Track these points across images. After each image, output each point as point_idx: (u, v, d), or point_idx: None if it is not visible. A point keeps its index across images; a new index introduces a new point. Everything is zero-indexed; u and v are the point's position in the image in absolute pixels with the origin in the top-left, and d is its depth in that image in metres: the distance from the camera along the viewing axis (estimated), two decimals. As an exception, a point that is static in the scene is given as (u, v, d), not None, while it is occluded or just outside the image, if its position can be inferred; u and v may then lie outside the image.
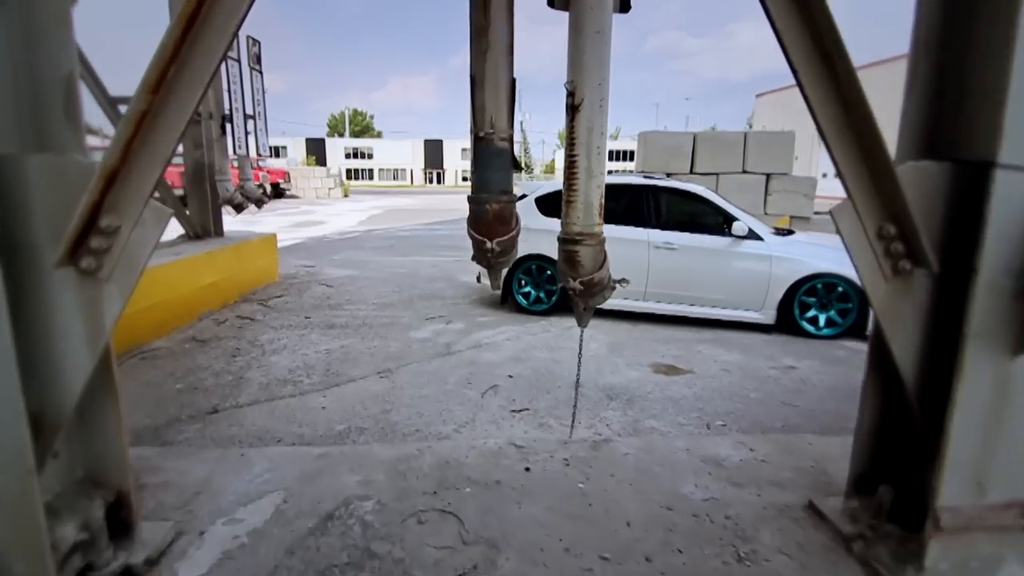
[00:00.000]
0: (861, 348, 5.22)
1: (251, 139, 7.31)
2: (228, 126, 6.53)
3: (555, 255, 5.83)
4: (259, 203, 7.27)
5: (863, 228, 1.55)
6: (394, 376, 4.25)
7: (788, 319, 5.53)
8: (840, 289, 5.38)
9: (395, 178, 75.46)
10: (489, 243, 2.06)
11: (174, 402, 3.74)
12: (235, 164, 7.32)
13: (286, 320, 5.79)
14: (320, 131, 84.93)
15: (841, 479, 2.21)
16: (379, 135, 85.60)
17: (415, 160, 75.64)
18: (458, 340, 5.23)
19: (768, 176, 11.17)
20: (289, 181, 31.55)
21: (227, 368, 4.38)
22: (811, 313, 5.51)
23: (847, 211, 1.55)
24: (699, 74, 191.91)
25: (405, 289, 7.49)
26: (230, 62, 6.33)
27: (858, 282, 5.32)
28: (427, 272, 8.88)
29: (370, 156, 74.86)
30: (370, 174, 74.87)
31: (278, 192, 30.08)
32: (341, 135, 79.69)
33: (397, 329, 5.55)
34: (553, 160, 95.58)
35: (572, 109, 1.99)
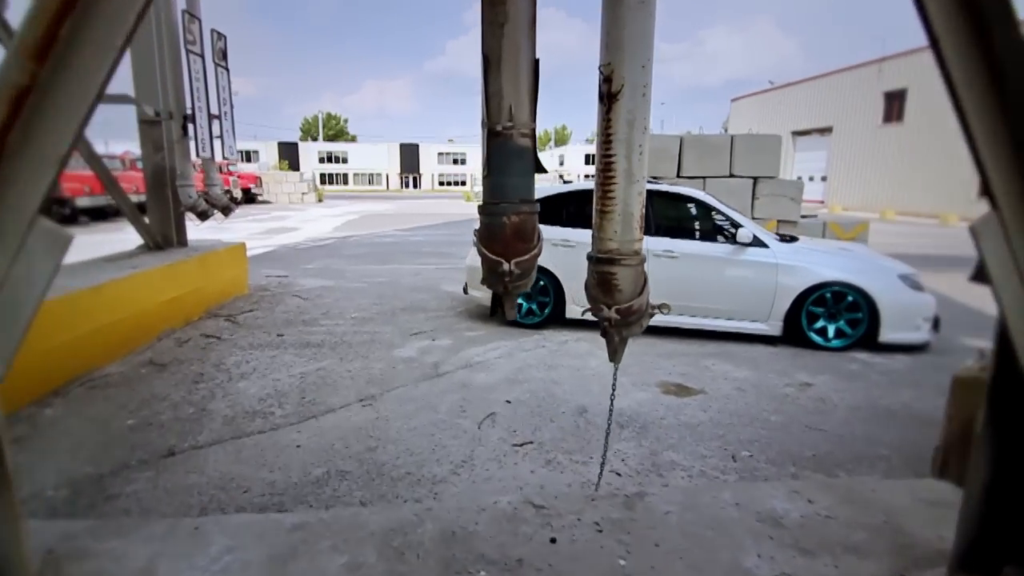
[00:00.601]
0: (874, 361, 4.95)
1: (217, 142, 6.78)
2: (191, 127, 6.00)
3: (548, 264, 5.39)
4: (226, 210, 6.74)
5: (1010, 250, 1.19)
6: (378, 404, 3.80)
7: (795, 330, 5.24)
8: (850, 299, 5.11)
9: (370, 182, 74.51)
10: (506, 264, 1.65)
11: (123, 442, 3.24)
12: (205, 169, 6.79)
13: (256, 338, 5.29)
14: (293, 135, 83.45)
15: (924, 540, 1.86)
16: (353, 139, 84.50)
17: (391, 164, 74.78)
18: (447, 359, 4.80)
19: (755, 180, 10.98)
20: (261, 186, 30.67)
21: (188, 398, 3.87)
22: (819, 324, 5.22)
23: (991, 227, 1.18)
24: (672, 79, 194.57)
25: (386, 301, 7.03)
26: (192, 57, 5.81)
27: (868, 291, 5.09)
28: (408, 281, 8.42)
29: (344, 160, 73.79)
30: (345, 178, 73.77)
31: (249, 197, 29.23)
32: (315, 139, 78.53)
33: (379, 347, 5.10)
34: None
35: (608, 98, 1.60)
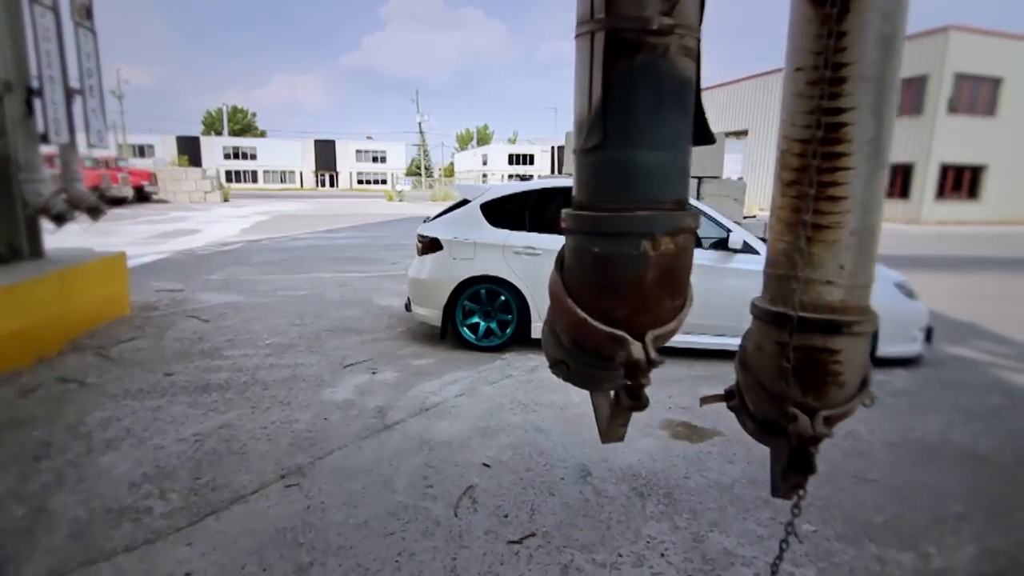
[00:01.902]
0: (875, 379, 4.45)
1: (97, 126, 5.31)
2: (38, 102, 4.56)
3: (511, 275, 4.46)
4: (94, 212, 5.31)
5: None
6: (308, 483, 2.75)
7: (789, 346, 4.67)
8: (848, 310, 4.60)
9: (282, 180, 70.58)
10: (635, 347, 0.75)
11: None
12: (64, 159, 5.30)
13: (135, 381, 4.01)
14: (195, 129, 77.51)
15: None
16: (263, 134, 79.61)
17: (305, 161, 71.12)
18: (394, 401, 3.79)
19: (700, 179, 10.65)
20: (156, 183, 27.61)
21: (18, 490, 2.64)
22: (815, 338, 4.68)
23: None
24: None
25: (308, 320, 5.85)
26: (38, 9, 4.38)
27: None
28: (333, 295, 7.23)
29: (253, 156, 69.34)
30: (253, 176, 69.41)
31: (143, 196, 26.24)
32: (219, 133, 73.21)
33: (304, 387, 3.99)
34: (452, 164, 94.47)
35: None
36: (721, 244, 4.70)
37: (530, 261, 4.72)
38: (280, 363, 4.48)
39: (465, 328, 4.89)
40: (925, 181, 21.32)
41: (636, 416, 3.33)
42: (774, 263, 0.91)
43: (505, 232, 4.80)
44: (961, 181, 22.03)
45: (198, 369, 4.29)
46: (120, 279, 5.96)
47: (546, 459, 3.03)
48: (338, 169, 72.26)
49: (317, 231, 15.83)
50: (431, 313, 4.97)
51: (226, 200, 30.05)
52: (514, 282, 4.73)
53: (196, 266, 9.28)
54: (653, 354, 0.77)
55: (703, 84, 0.77)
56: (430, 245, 4.95)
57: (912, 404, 3.98)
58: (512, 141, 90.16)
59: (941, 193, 21.79)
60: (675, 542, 2.36)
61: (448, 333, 4.99)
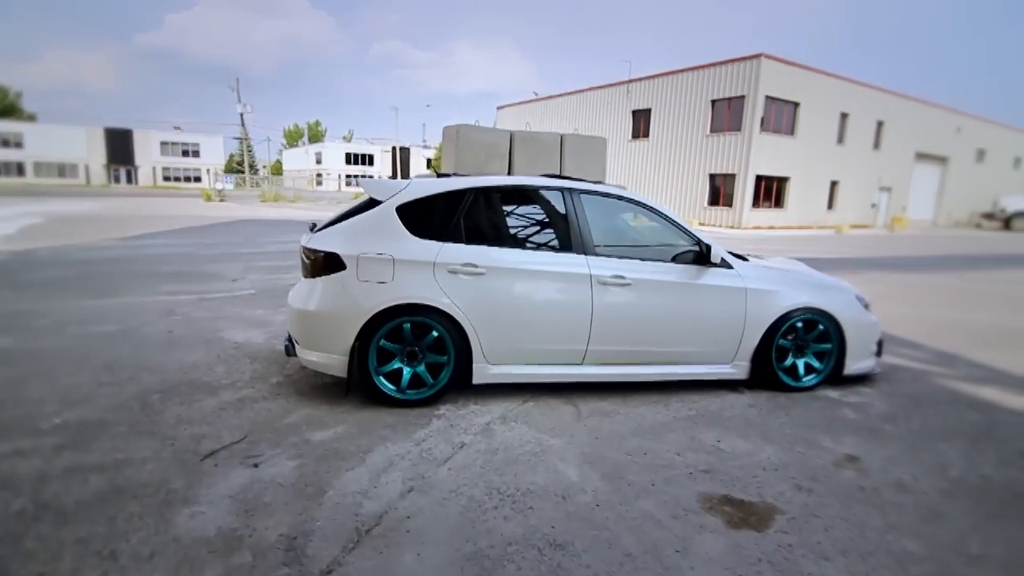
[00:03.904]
0: (853, 401, 4.06)
1: None
2: None
3: (443, 303, 3.17)
4: None
5: None
6: None
7: (763, 370, 4.12)
8: (820, 328, 4.16)
9: (61, 175, 58.81)
10: None
11: None
12: None
13: None
14: (-76, 106, 61.68)
15: None
16: (32, 118, 65.58)
17: (93, 154, 59.87)
18: (308, 521, 2.36)
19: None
20: None
21: None
22: (789, 361, 4.18)
23: None
24: (427, 85, 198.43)
25: (125, 374, 3.97)
26: None
27: (838, 317, 4.10)
28: (159, 329, 5.24)
29: (18, 145, 56.70)
30: (19, 169, 56.84)
31: None
32: (-35, 114, 58.79)
33: (137, 511, 2.37)
34: (279, 161, 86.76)
35: None
36: (691, 257, 3.98)
37: (470, 283, 3.54)
38: (86, 462, 2.74)
39: (381, 378, 3.54)
40: (744, 190, 23.91)
41: (650, 484, 2.29)
42: None
43: (435, 244, 3.56)
44: (771, 191, 25.14)
45: (-85, 494, 2.40)
46: None
47: (598, 609, 1.92)
48: (137, 163, 62.11)
49: (120, 238, 12.61)
50: (330, 359, 3.53)
51: (-22, 198, 23.48)
52: (450, 311, 3.51)
53: (-76, 292, 6.39)
54: None
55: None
56: (325, 263, 3.52)
57: (912, 431, 3.59)
58: (348, 139, 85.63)
59: (756, 201, 24.63)
60: None
61: (354, 385, 3.59)
